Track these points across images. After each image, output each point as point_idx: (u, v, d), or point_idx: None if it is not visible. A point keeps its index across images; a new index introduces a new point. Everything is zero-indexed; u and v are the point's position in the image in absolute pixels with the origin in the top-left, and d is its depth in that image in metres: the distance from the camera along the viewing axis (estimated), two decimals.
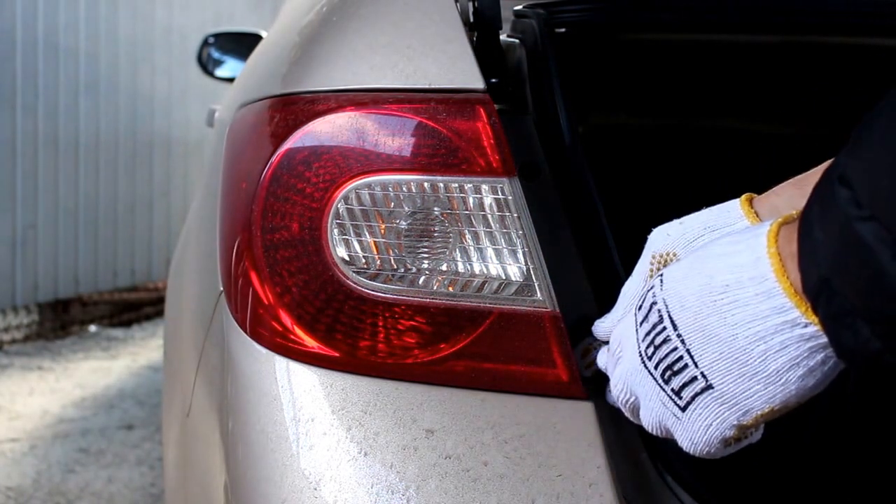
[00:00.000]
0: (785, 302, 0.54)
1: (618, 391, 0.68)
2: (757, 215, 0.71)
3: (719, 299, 0.58)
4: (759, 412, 0.58)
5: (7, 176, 4.24)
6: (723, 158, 1.49)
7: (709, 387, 0.59)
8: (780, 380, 0.56)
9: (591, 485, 0.73)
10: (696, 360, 0.59)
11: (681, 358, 0.60)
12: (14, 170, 4.27)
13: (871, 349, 0.48)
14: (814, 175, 0.71)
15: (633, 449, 0.76)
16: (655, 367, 0.62)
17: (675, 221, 0.75)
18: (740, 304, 0.56)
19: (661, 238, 0.74)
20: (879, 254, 0.45)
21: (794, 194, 0.71)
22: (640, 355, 0.64)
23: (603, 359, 0.73)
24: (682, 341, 0.60)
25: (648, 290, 0.64)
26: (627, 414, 0.70)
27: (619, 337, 0.69)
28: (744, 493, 0.93)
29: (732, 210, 0.72)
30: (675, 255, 0.73)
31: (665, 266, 0.72)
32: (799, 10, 1.15)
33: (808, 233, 0.51)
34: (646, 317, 0.63)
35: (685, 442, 0.63)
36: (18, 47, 4.25)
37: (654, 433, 0.66)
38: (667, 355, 0.61)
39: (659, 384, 0.62)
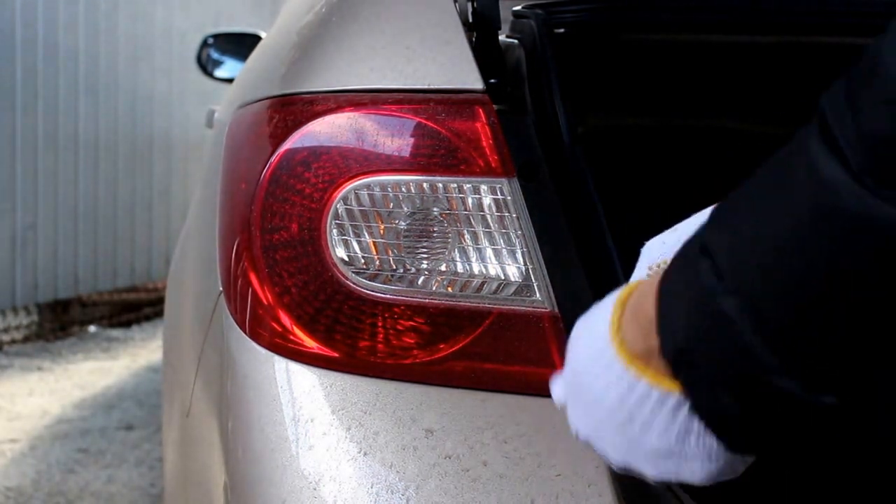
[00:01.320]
0: (622, 369, 0.54)
1: None
2: None
3: (587, 367, 0.58)
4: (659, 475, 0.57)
5: (7, 176, 4.23)
6: (723, 158, 1.49)
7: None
8: (651, 446, 0.55)
9: (590, 484, 0.73)
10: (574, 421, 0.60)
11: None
12: (13, 170, 4.27)
13: (731, 415, 0.49)
14: None
15: None
16: None
17: (669, 230, 0.74)
18: (599, 370, 0.56)
19: (658, 246, 0.74)
20: (741, 326, 0.46)
21: None
22: None
23: None
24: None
25: None
26: None
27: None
28: (743, 494, 0.93)
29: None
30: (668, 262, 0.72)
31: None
32: (799, 11, 1.15)
33: (666, 301, 0.52)
34: None
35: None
36: (18, 47, 4.25)
37: None
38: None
39: None
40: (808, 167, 0.44)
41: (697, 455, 0.53)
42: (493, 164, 0.78)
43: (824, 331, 0.44)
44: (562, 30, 1.06)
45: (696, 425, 0.53)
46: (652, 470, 0.56)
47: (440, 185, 0.78)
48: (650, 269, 0.73)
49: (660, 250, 0.73)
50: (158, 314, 5.03)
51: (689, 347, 0.50)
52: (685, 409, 0.52)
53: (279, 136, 0.82)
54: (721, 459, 0.54)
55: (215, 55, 2.75)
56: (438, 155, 0.78)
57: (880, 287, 0.42)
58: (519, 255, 0.78)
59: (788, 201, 0.45)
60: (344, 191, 0.78)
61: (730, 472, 0.55)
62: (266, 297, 0.80)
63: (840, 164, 0.42)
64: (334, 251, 0.78)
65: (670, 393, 0.53)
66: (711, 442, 0.53)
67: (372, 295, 0.78)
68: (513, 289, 0.78)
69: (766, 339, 0.45)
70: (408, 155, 0.79)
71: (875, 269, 0.42)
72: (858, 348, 0.45)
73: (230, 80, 2.50)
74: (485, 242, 0.78)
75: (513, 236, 0.78)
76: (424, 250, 0.79)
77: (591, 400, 0.57)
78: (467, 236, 0.78)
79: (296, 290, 0.79)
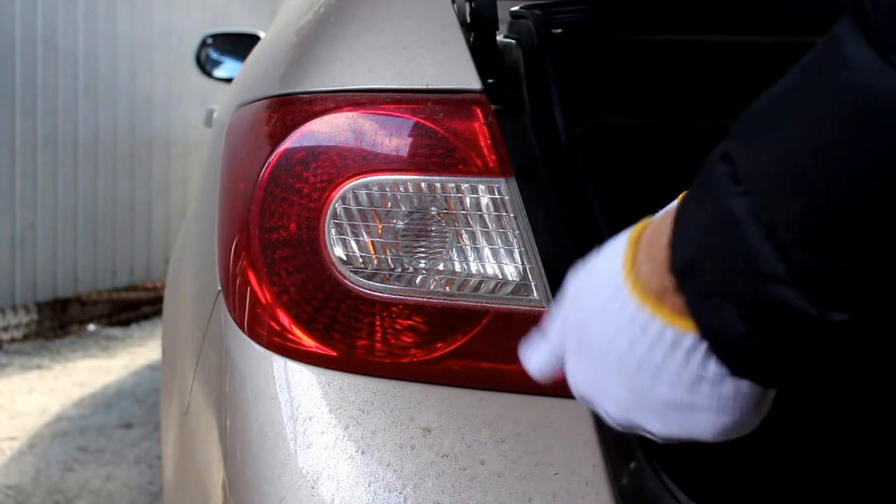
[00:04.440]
0: (636, 308, 0.51)
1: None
2: None
3: (595, 313, 0.55)
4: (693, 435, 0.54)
5: (6, 176, 4.23)
6: None
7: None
8: (660, 396, 0.52)
9: (587, 483, 0.73)
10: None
11: None
12: (13, 170, 4.27)
13: (735, 332, 0.46)
14: None
15: (629, 448, 0.76)
16: None
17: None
18: (610, 314, 0.54)
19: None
20: (749, 231, 0.44)
21: None
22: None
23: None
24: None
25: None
26: None
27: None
28: (741, 493, 0.93)
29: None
30: None
31: None
32: (798, 11, 1.15)
33: (680, 219, 0.49)
34: None
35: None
36: (17, 47, 4.25)
37: None
38: None
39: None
40: (839, 58, 0.41)
41: (709, 406, 0.50)
42: (490, 164, 0.79)
43: (843, 232, 0.41)
44: (559, 30, 1.06)
45: (710, 370, 0.50)
46: (659, 425, 0.53)
47: (438, 184, 0.78)
48: None
49: None
50: (157, 313, 5.04)
51: (696, 257, 0.47)
52: (699, 351, 0.49)
53: (278, 136, 0.82)
54: (734, 412, 0.51)
55: (214, 55, 2.75)
56: (436, 154, 0.79)
57: None
58: (516, 255, 0.78)
59: (818, 97, 0.42)
60: (342, 190, 0.79)
61: (743, 426, 0.52)
62: (264, 296, 0.80)
63: (872, 49, 0.39)
64: (332, 250, 0.79)
65: (685, 333, 0.50)
66: (724, 391, 0.50)
67: (370, 294, 0.78)
68: (510, 288, 0.78)
69: (776, 243, 0.43)
70: (406, 154, 0.79)
71: None
72: (876, 256, 0.41)
73: (229, 80, 2.50)
74: (482, 242, 0.79)
75: (510, 236, 0.78)
76: (422, 250, 0.79)
77: (598, 351, 0.54)
78: (465, 236, 0.79)
79: (294, 289, 0.79)
